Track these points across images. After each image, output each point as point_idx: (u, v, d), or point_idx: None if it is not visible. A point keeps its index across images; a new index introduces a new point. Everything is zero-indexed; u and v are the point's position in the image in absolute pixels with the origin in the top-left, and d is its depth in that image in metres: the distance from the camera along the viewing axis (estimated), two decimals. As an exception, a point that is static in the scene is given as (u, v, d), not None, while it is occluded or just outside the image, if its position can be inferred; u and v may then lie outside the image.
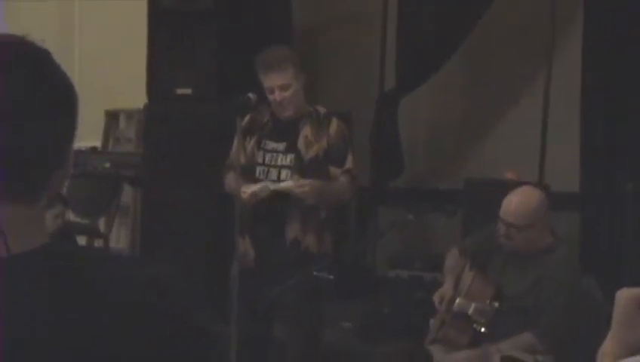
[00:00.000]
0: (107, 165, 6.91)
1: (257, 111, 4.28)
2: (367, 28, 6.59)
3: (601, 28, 5.58)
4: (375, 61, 6.50)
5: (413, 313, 5.34)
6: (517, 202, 3.96)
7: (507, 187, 4.22)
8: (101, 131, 7.36)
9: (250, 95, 4.06)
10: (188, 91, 5.88)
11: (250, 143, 4.27)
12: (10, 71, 1.18)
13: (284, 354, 4.25)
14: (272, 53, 4.21)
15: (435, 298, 4.17)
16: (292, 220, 4.16)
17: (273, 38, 5.20)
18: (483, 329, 3.94)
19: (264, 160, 4.25)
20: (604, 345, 1.48)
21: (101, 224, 6.90)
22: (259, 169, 4.24)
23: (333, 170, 4.18)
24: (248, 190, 4.08)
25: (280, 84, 4.15)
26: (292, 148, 4.20)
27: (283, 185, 4.12)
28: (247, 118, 4.25)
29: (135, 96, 6.28)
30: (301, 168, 4.15)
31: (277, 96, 4.16)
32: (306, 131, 4.20)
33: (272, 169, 4.22)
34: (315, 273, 3.96)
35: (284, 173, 4.18)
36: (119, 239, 7.19)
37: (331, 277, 3.99)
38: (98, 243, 6.70)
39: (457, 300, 4.05)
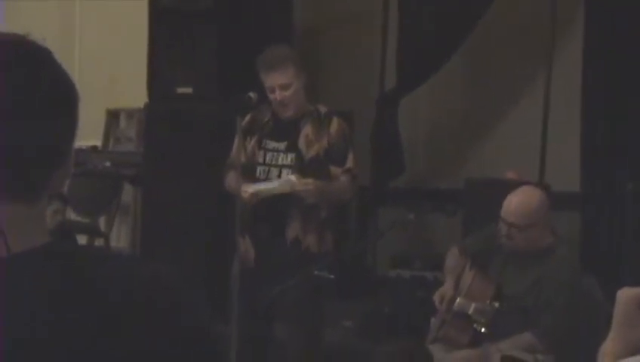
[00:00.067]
0: (108, 164, 6.92)
1: (258, 111, 4.28)
2: (368, 28, 6.59)
3: (602, 28, 5.58)
4: (376, 61, 6.50)
5: (413, 312, 5.34)
6: (518, 202, 3.96)
7: (507, 187, 4.22)
8: (102, 130, 7.37)
9: (251, 94, 4.06)
10: (189, 90, 5.88)
11: (251, 143, 4.27)
12: (10, 70, 1.18)
13: (285, 353, 4.25)
14: (273, 53, 4.21)
15: (436, 297, 4.17)
16: (293, 220, 4.16)
17: (274, 37, 5.20)
18: (483, 329, 3.94)
19: (265, 159, 4.24)
20: (605, 344, 1.48)
21: (102, 223, 6.90)
22: (259, 168, 4.24)
23: (334, 170, 4.18)
24: (249, 189, 4.08)
25: (281, 84, 4.15)
26: (293, 147, 4.20)
27: (281, 185, 4.11)
28: (247, 118, 4.25)
29: (136, 95, 6.29)
30: (302, 167, 4.14)
31: (278, 95, 4.16)
32: (307, 130, 4.20)
33: (272, 168, 4.22)
34: (315, 272, 3.96)
35: (284, 173, 4.18)
36: (120, 238, 7.19)
37: (332, 276, 3.99)
38: (99, 242, 6.70)
39: (458, 300, 4.05)
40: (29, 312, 1.15)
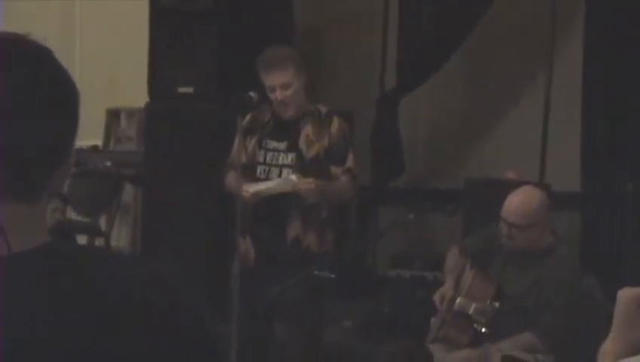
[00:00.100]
0: (108, 164, 6.92)
1: (258, 111, 4.28)
2: (368, 28, 6.59)
3: (602, 28, 5.58)
4: (376, 61, 6.50)
5: (413, 312, 5.34)
6: (518, 202, 3.96)
7: (507, 187, 4.23)
8: (102, 130, 7.37)
9: (252, 94, 4.06)
10: (189, 90, 5.88)
11: (252, 142, 4.27)
12: (11, 70, 1.18)
13: (285, 353, 4.25)
14: (274, 52, 4.21)
15: (436, 297, 4.17)
16: (293, 219, 4.16)
17: (274, 37, 5.21)
18: (483, 329, 3.94)
19: (265, 159, 4.24)
20: (605, 344, 1.48)
21: (102, 222, 6.89)
22: (260, 168, 4.24)
23: (334, 169, 4.18)
24: (250, 189, 4.08)
25: (281, 83, 4.15)
26: (293, 147, 4.20)
27: (282, 184, 4.11)
28: (248, 117, 4.25)
29: (136, 94, 6.29)
30: (302, 167, 4.14)
31: (278, 95, 4.16)
32: (308, 130, 4.20)
33: (273, 168, 4.22)
34: (316, 272, 3.96)
35: (285, 173, 4.17)
36: (120, 238, 7.19)
37: (332, 276, 3.98)
38: (99, 241, 6.70)
39: (458, 300, 4.05)
40: (29, 312, 1.15)
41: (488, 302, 3.98)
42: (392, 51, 6.31)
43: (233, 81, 5.50)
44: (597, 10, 5.62)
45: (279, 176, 4.18)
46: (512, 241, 3.97)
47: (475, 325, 3.97)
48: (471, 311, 3.98)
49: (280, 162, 4.21)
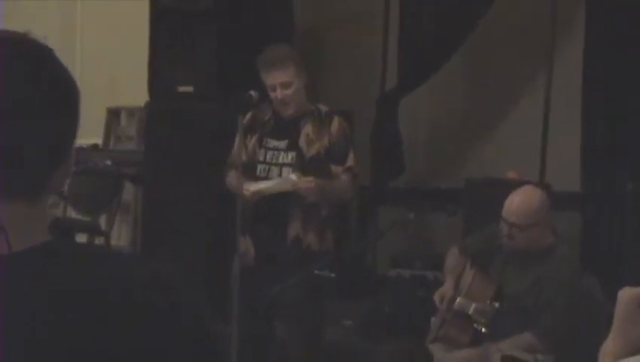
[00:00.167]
0: (108, 163, 6.92)
1: (259, 109, 4.28)
2: (369, 27, 6.59)
3: (602, 28, 5.58)
4: (376, 61, 6.50)
5: (414, 312, 5.34)
6: (519, 202, 3.96)
7: (508, 186, 4.23)
8: (102, 129, 7.37)
9: (252, 93, 4.06)
10: (189, 89, 5.88)
11: (252, 141, 4.27)
12: (11, 69, 1.18)
13: (285, 352, 4.25)
14: (274, 52, 4.21)
15: (436, 297, 4.18)
16: (293, 218, 4.16)
17: (274, 37, 5.20)
18: (483, 329, 3.94)
19: (265, 158, 4.24)
20: (606, 344, 1.48)
21: (102, 222, 6.89)
22: (260, 167, 4.24)
23: (335, 168, 4.18)
24: (250, 188, 4.08)
25: (282, 82, 4.15)
26: (293, 146, 4.20)
27: (282, 184, 4.11)
28: (248, 116, 4.26)
29: (136, 93, 6.29)
30: (302, 166, 4.14)
31: (278, 93, 4.16)
32: (308, 129, 4.20)
33: (273, 167, 4.22)
34: (316, 271, 3.96)
35: (285, 171, 4.17)
36: (120, 237, 7.19)
37: (332, 275, 3.98)
38: (99, 240, 6.70)
39: (458, 299, 4.05)
40: (29, 311, 1.15)
41: (488, 301, 3.98)
42: (393, 51, 6.31)
43: (233, 80, 5.50)
44: (597, 10, 5.62)
45: (279, 174, 4.18)
46: (513, 241, 3.97)
47: (475, 325, 3.97)
48: (471, 311, 3.98)
49: (280, 161, 4.21)
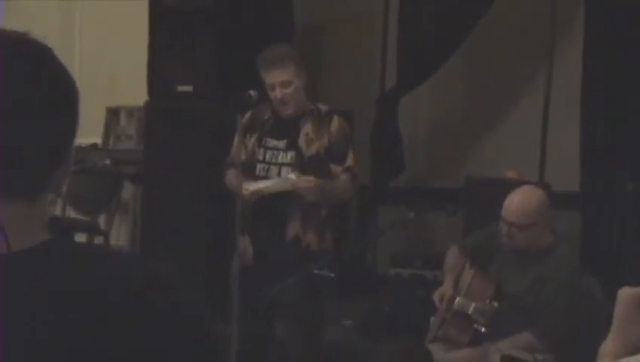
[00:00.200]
0: (107, 162, 6.92)
1: (258, 109, 4.28)
2: (369, 27, 6.59)
3: (602, 27, 5.58)
4: (376, 60, 6.50)
5: (413, 311, 5.34)
6: (518, 201, 3.96)
7: (507, 186, 4.22)
8: (102, 128, 7.36)
9: (251, 92, 4.06)
10: (189, 88, 5.88)
11: (251, 140, 4.27)
12: (11, 68, 1.18)
13: (285, 352, 4.25)
14: (274, 51, 4.21)
15: (436, 296, 4.18)
16: (293, 218, 4.16)
17: (274, 36, 5.20)
18: (483, 329, 3.94)
19: (265, 157, 4.24)
20: (605, 344, 1.48)
21: (101, 221, 6.90)
22: (259, 166, 4.24)
23: (334, 168, 4.17)
24: (250, 187, 4.08)
25: (281, 81, 4.14)
26: (293, 145, 4.19)
27: (281, 183, 4.11)
28: (247, 115, 4.25)
29: (136, 93, 6.29)
30: (302, 165, 4.14)
31: (278, 93, 4.16)
32: (307, 129, 4.20)
33: (272, 166, 4.22)
34: (315, 271, 3.96)
35: (284, 171, 4.17)
36: (119, 236, 7.19)
37: (332, 275, 3.98)
38: (98, 240, 6.70)
39: (457, 299, 4.05)
40: (28, 310, 1.14)
41: (488, 301, 3.98)
42: (392, 51, 6.31)
43: (233, 79, 5.50)
44: (597, 9, 5.62)
45: (279, 174, 4.18)
46: (512, 241, 3.97)
47: (475, 324, 3.97)
48: (470, 311, 3.98)
49: (279, 160, 4.21)
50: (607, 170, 5.55)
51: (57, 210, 6.73)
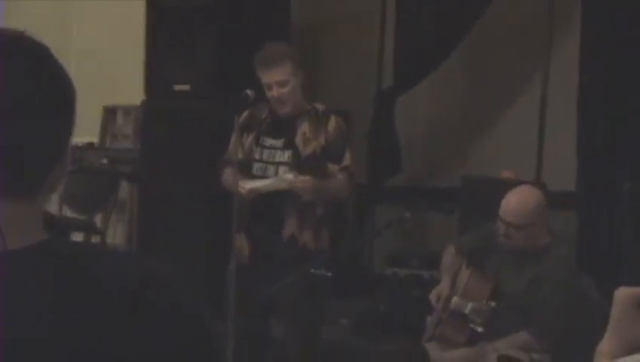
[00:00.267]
0: (104, 161, 6.91)
1: (255, 108, 4.27)
2: (366, 26, 6.60)
3: (599, 27, 5.58)
4: (373, 59, 6.50)
5: (410, 311, 5.34)
6: (516, 201, 3.96)
7: (504, 185, 4.23)
8: (98, 127, 7.35)
9: (248, 91, 4.06)
10: (186, 88, 5.88)
11: (248, 139, 4.27)
12: (9, 68, 1.17)
13: (283, 351, 4.25)
14: (271, 50, 4.21)
15: (432, 296, 4.18)
16: (289, 217, 4.16)
17: (272, 35, 5.20)
18: (480, 329, 3.94)
19: (262, 156, 4.24)
20: (601, 344, 1.48)
21: (98, 220, 6.89)
22: (256, 165, 4.23)
23: (331, 167, 4.18)
24: (246, 186, 4.08)
25: (278, 80, 4.14)
26: (290, 144, 4.19)
27: (278, 182, 4.11)
28: (245, 114, 4.25)
29: (133, 92, 6.28)
30: (298, 165, 4.14)
31: (275, 92, 4.15)
32: (304, 128, 4.19)
33: (269, 165, 4.22)
34: (312, 270, 3.96)
35: (281, 170, 4.17)
36: (116, 235, 7.18)
37: (329, 274, 3.98)
38: (95, 239, 6.69)
39: (454, 299, 4.05)
40: (27, 310, 1.14)
41: (484, 301, 3.98)
42: (390, 50, 6.31)
43: (231, 79, 5.50)
44: (594, 8, 5.63)
45: (276, 173, 4.18)
46: (509, 240, 3.98)
47: (471, 324, 3.97)
48: (467, 311, 3.98)
49: (276, 159, 4.21)
50: (603, 169, 5.56)
51: (53, 209, 6.72)
